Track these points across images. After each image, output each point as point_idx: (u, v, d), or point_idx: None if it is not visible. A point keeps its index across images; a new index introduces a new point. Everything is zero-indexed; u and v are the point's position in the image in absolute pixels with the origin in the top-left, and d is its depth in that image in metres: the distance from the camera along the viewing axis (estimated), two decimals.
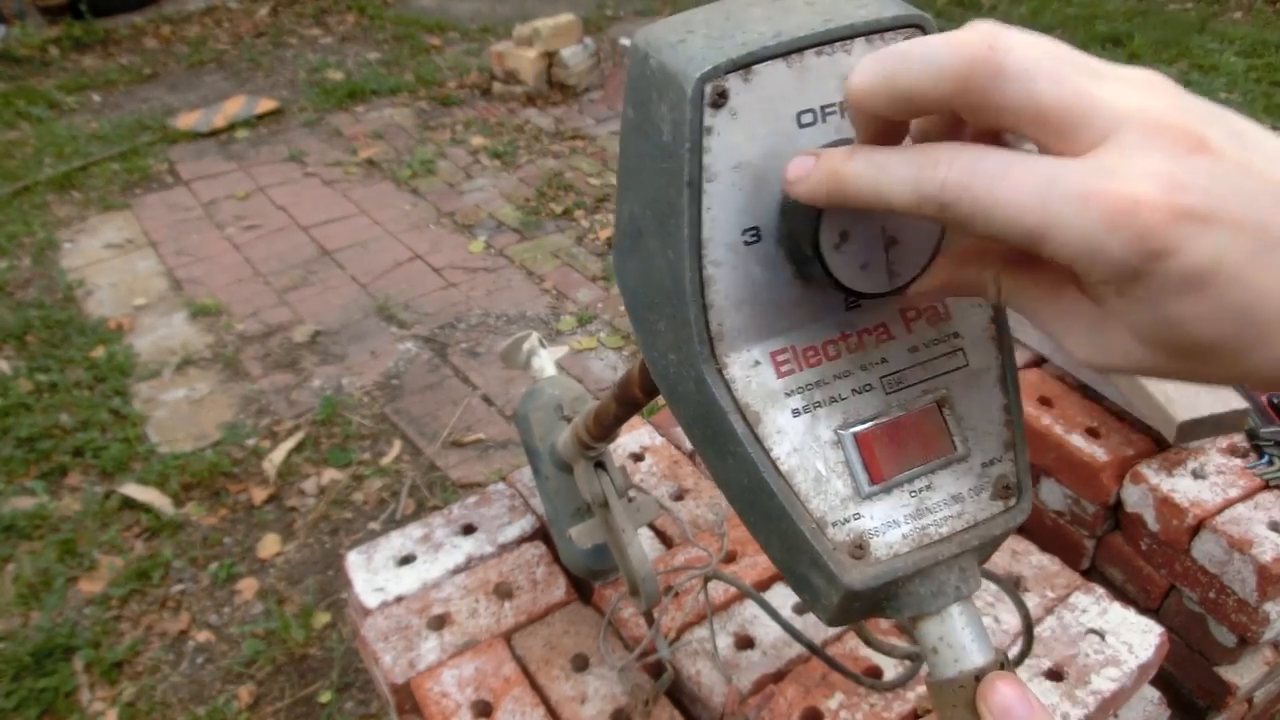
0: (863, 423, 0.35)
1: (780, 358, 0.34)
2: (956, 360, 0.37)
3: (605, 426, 0.70)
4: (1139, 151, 0.25)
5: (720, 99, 0.31)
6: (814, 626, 0.83)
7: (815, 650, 0.76)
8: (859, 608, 0.35)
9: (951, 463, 0.36)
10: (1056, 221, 0.25)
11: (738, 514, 0.37)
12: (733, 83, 0.31)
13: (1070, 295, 0.29)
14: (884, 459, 0.34)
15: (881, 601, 0.35)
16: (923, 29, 0.33)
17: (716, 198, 0.32)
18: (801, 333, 0.35)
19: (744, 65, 0.31)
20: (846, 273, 0.32)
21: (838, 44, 0.32)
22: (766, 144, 0.32)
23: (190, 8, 5.74)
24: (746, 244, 0.33)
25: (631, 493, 0.79)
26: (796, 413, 0.34)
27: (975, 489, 0.36)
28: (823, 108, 0.32)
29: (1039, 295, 0.30)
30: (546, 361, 0.91)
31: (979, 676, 0.33)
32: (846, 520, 0.34)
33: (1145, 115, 0.26)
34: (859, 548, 0.34)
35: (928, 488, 0.35)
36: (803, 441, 0.34)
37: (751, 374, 0.34)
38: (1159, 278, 0.25)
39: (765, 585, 0.88)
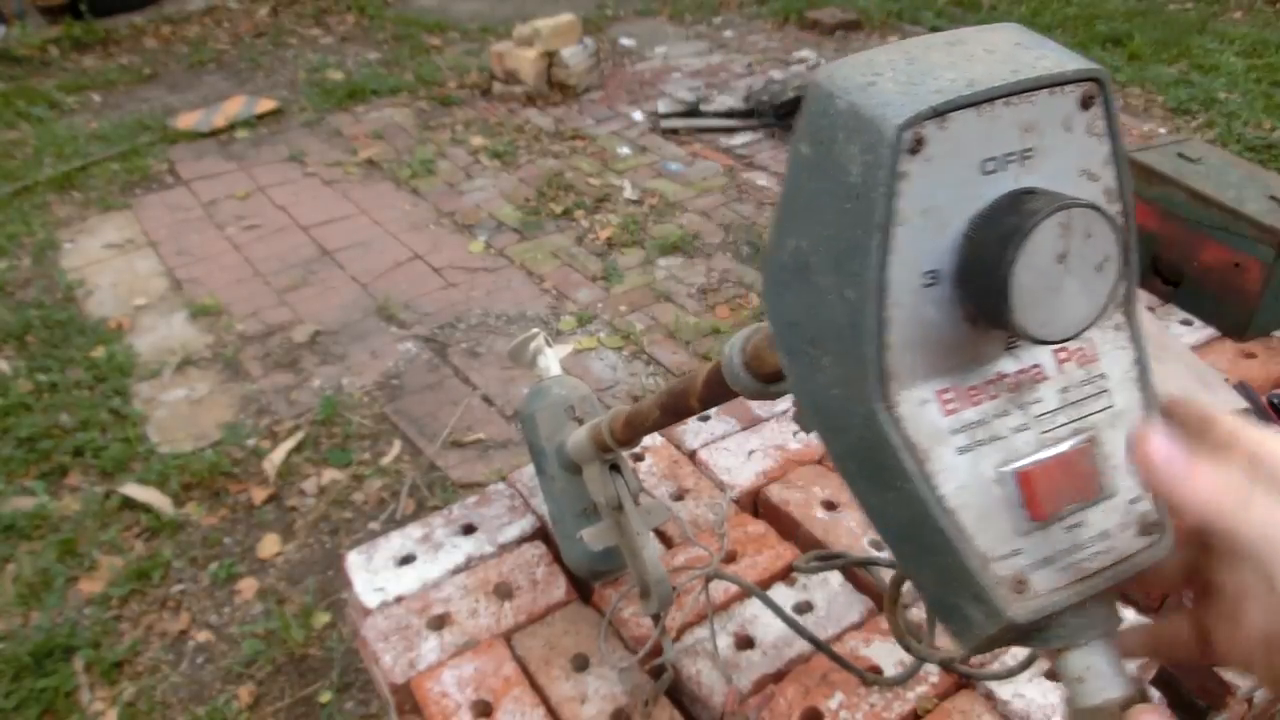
0: (1023, 461, 0.36)
1: (946, 397, 0.35)
2: (1104, 401, 0.38)
3: (638, 432, 0.70)
4: None
5: (918, 145, 0.32)
6: (816, 624, 0.83)
7: (821, 646, 0.76)
8: (1009, 639, 0.36)
9: (1101, 500, 0.37)
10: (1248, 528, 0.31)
11: (888, 544, 0.38)
12: (929, 130, 0.32)
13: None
14: (1044, 497, 0.35)
15: (1033, 634, 0.36)
16: (1100, 82, 0.34)
17: (903, 241, 0.32)
18: (965, 373, 0.36)
19: (941, 113, 0.32)
20: (1031, 318, 0.32)
21: (1024, 94, 0.33)
22: (952, 190, 0.33)
23: (190, 8, 5.74)
24: (924, 286, 0.33)
25: (641, 496, 0.79)
26: (961, 451, 0.35)
27: (1122, 525, 0.37)
28: (1005, 155, 0.33)
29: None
30: (551, 360, 0.91)
31: (1123, 705, 0.34)
32: (1008, 556, 0.35)
33: None
34: (1020, 583, 0.35)
35: (1079, 524, 0.36)
36: (968, 479, 0.35)
37: (920, 412, 0.35)
38: None
39: (765, 585, 0.88)
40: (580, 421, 0.85)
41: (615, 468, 0.77)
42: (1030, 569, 0.35)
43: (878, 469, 0.35)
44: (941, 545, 0.35)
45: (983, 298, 0.33)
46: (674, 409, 0.63)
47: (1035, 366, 0.37)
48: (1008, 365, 0.36)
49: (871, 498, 0.37)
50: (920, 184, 0.32)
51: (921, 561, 0.36)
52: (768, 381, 0.50)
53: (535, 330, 0.91)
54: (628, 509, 0.75)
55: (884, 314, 0.33)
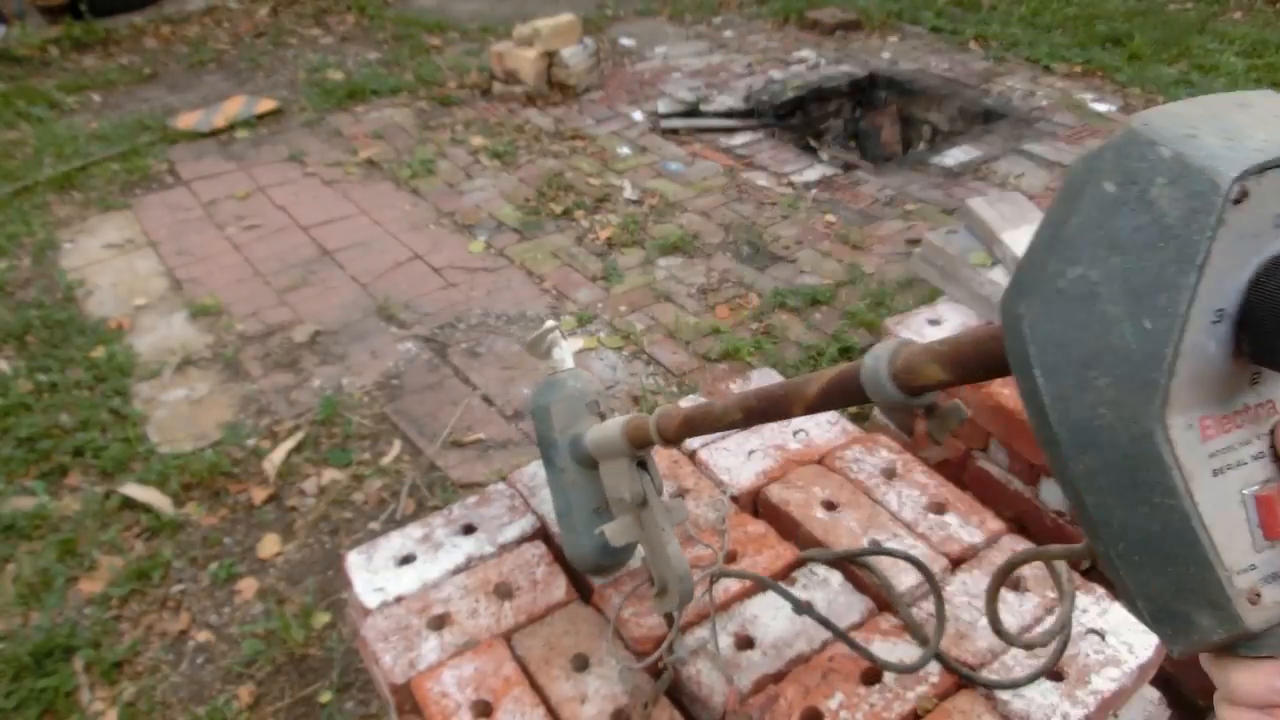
0: (1261, 485, 0.40)
1: (1205, 423, 0.39)
2: None
3: (698, 432, 0.70)
4: None
5: (1242, 196, 0.36)
6: (816, 625, 0.83)
7: (841, 635, 0.77)
8: (1222, 644, 0.40)
9: None
10: None
11: (1115, 552, 0.41)
12: (1251, 183, 0.36)
13: None
14: (1278, 518, 0.40)
15: (1249, 641, 0.40)
16: None
17: (1209, 282, 0.36)
18: (1220, 403, 0.40)
19: (1260, 170, 0.36)
20: None
21: None
22: (1250, 239, 0.37)
23: (190, 8, 5.74)
24: (1212, 323, 0.37)
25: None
26: (1215, 473, 0.39)
27: None
28: None
29: None
30: (566, 354, 0.90)
31: None
32: (1246, 571, 0.39)
33: None
34: (1256, 595, 0.39)
35: None
36: (1219, 499, 0.39)
37: (1186, 436, 0.39)
38: None
39: None
40: (603, 416, 0.85)
41: (643, 464, 0.76)
42: (1263, 582, 0.39)
43: (1139, 484, 0.39)
44: (1194, 557, 0.39)
45: (1268, 337, 0.37)
46: (764, 413, 0.63)
47: (1270, 401, 0.41)
48: (1250, 398, 0.41)
49: (1119, 509, 0.40)
50: (1232, 232, 0.36)
51: (1160, 571, 0.40)
52: (914, 394, 0.52)
53: (552, 323, 0.91)
54: (654, 505, 0.75)
55: (1179, 346, 0.37)
